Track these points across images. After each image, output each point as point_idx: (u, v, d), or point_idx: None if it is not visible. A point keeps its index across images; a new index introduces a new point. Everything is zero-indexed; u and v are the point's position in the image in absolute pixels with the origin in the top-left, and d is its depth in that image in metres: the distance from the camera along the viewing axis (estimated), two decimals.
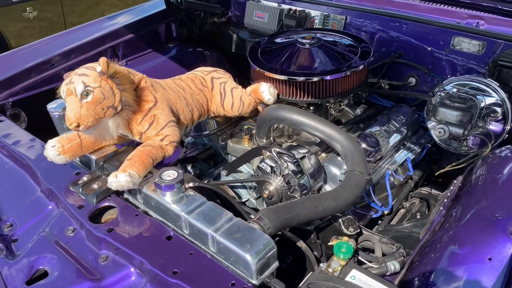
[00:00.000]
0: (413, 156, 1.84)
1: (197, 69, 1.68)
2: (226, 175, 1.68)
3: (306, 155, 1.46)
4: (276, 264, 1.08)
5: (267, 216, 1.15)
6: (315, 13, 2.31)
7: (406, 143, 1.88)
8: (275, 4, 2.40)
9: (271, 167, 1.42)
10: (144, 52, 2.32)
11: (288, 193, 1.41)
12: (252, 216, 1.53)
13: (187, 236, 1.16)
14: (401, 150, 1.84)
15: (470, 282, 1.16)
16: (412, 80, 2.10)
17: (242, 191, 1.65)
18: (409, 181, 1.91)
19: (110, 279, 1.09)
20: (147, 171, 1.26)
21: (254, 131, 1.71)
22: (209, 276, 1.02)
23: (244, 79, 1.87)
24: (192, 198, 1.19)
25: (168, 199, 1.18)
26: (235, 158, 1.82)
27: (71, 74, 1.23)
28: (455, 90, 1.69)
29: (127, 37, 2.23)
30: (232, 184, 1.60)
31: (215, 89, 1.61)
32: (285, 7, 2.37)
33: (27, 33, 4.39)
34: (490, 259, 1.15)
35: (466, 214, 1.35)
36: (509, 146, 1.65)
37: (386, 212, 1.73)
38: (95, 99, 1.19)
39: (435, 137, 1.66)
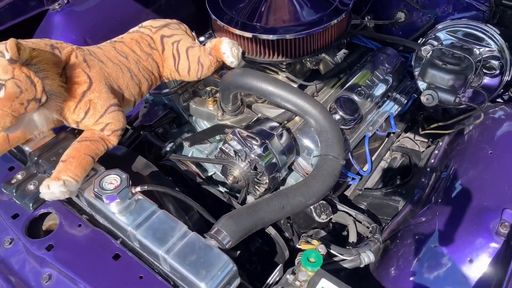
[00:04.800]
0: (398, 110, 1.66)
1: (143, 24, 1.39)
2: (189, 147, 1.50)
3: (275, 133, 1.28)
4: (237, 281, 0.98)
5: (226, 227, 1.01)
6: None
7: (390, 94, 1.68)
8: None
9: (235, 151, 1.24)
10: None
11: (255, 179, 1.26)
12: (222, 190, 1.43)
13: (137, 249, 1.03)
14: (385, 103, 1.66)
15: (445, 279, 1.09)
16: (401, 16, 1.82)
17: (208, 164, 1.50)
18: (392, 135, 1.75)
19: None
20: (86, 172, 1.08)
21: (218, 94, 1.49)
22: None
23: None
24: (141, 206, 1.04)
25: (113, 208, 1.03)
26: (200, 120, 1.63)
27: None
28: (447, 41, 1.45)
29: None
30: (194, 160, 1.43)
31: (167, 51, 1.35)
32: None
33: None
34: (470, 260, 1.06)
35: (449, 196, 1.24)
36: (503, 105, 1.48)
37: (365, 175, 1.60)
38: (9, 94, 0.96)
39: (422, 102, 1.46)
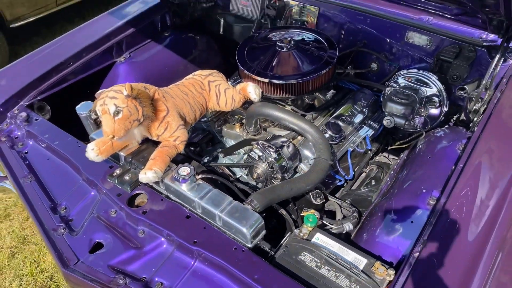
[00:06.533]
0: (372, 133, 2.29)
1: (195, 72, 2.05)
2: (223, 157, 2.11)
3: (285, 144, 1.90)
4: (263, 232, 1.56)
5: (256, 198, 1.61)
6: (293, 3, 2.63)
7: (366, 121, 2.31)
8: None
9: (259, 156, 1.86)
10: (144, 42, 2.64)
11: (272, 175, 1.87)
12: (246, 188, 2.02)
13: (200, 214, 1.62)
14: (363, 128, 2.29)
15: (397, 237, 1.67)
16: (374, 66, 2.49)
17: (236, 170, 2.10)
18: (369, 152, 2.37)
19: (148, 247, 1.56)
20: (166, 166, 1.69)
21: (244, 121, 2.12)
22: (218, 243, 1.50)
23: (231, 57, 2.24)
24: (202, 187, 1.64)
25: (184, 188, 1.63)
26: (229, 139, 2.25)
27: (103, 96, 1.61)
28: (403, 84, 2.11)
29: (128, 32, 2.54)
30: (228, 165, 2.05)
31: (212, 91, 1.99)
32: None
33: (18, 2, 4.53)
34: (412, 222, 1.65)
35: (402, 187, 1.84)
36: (445, 128, 2.11)
37: (348, 179, 2.21)
38: (124, 116, 1.59)
39: (384, 125, 2.09)
